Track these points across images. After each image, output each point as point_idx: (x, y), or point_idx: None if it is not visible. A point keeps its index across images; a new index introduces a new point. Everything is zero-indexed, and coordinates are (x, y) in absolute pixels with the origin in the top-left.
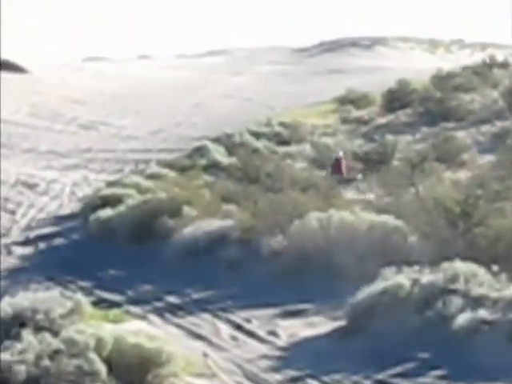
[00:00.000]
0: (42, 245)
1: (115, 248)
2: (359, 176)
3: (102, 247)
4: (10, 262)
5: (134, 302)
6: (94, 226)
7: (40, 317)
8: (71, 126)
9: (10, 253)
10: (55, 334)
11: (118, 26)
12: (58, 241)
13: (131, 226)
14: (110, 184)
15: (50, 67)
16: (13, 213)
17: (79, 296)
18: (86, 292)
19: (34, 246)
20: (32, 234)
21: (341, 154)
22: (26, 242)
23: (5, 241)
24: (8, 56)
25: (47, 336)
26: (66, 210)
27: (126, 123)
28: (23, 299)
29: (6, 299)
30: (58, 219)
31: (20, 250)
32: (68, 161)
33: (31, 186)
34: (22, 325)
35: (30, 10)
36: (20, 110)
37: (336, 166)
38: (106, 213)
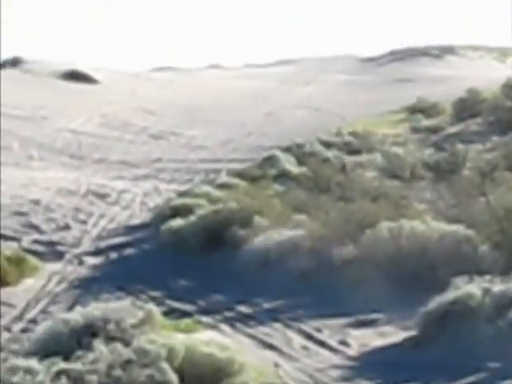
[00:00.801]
0: (112, 255)
1: (186, 258)
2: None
3: (173, 257)
4: (81, 272)
5: (205, 311)
6: (164, 235)
7: (111, 327)
8: (142, 136)
9: (81, 263)
10: (127, 343)
11: (187, 35)
12: (129, 251)
13: (202, 236)
14: (181, 194)
15: (120, 77)
16: (84, 223)
17: (150, 306)
18: (157, 302)
19: (104, 256)
20: (103, 244)
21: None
22: (96, 252)
23: (76, 251)
24: (78, 66)
25: (119, 346)
26: (136, 220)
27: (196, 133)
28: (95, 309)
29: (78, 309)
30: (129, 229)
31: (91, 260)
32: (139, 171)
33: (102, 196)
34: (94, 334)
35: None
36: (91, 120)
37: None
38: (176, 223)
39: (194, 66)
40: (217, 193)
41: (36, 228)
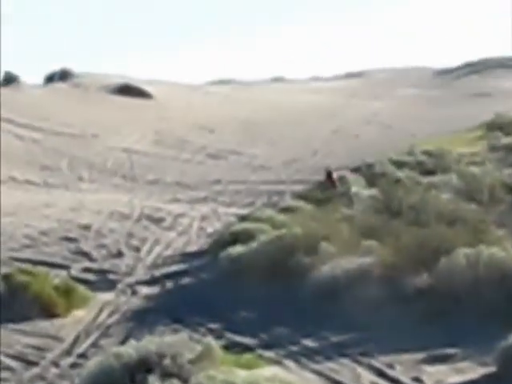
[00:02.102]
0: (168, 284)
1: (247, 287)
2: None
3: (233, 286)
4: (134, 302)
5: (268, 345)
6: (224, 263)
7: (167, 362)
8: (199, 155)
9: (134, 293)
10: (184, 380)
11: (249, 45)
12: (186, 280)
13: (264, 264)
14: (242, 218)
15: (176, 91)
16: (137, 249)
17: (209, 339)
18: (217, 335)
19: (160, 285)
20: (158, 273)
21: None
22: (151, 281)
23: (129, 280)
24: (131, 80)
25: (175, 382)
26: (194, 247)
27: (258, 152)
28: (149, 343)
29: (132, 343)
30: (186, 256)
31: (145, 290)
32: (196, 193)
33: (157, 221)
34: (148, 370)
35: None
36: (144, 137)
37: (328, 179)
38: (237, 249)
39: (256, 79)
40: (280, 217)
41: (86, 255)
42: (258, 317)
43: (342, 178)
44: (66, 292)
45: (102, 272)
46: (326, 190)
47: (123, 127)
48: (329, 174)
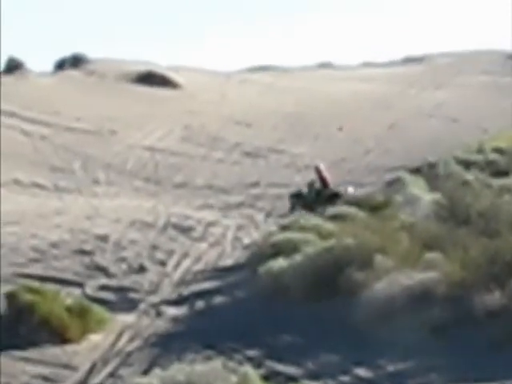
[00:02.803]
0: (198, 304)
1: (290, 308)
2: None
3: (274, 307)
4: (160, 325)
5: (315, 375)
6: (263, 280)
7: None
8: (234, 153)
9: (159, 314)
10: None
11: (291, 27)
12: (219, 299)
13: (310, 280)
14: (283, 227)
15: (207, 80)
16: (163, 264)
17: (246, 368)
18: (255, 363)
19: (188, 305)
20: (186, 291)
21: (321, 165)
22: (179, 301)
23: (153, 299)
24: (155, 67)
25: None
26: (228, 260)
27: (303, 150)
28: (177, 372)
29: (156, 372)
30: (219, 271)
31: (172, 311)
32: (230, 198)
33: (185, 230)
34: None
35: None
36: (170, 134)
37: (320, 178)
38: (278, 264)
39: (300, 65)
40: (328, 225)
41: (103, 270)
42: (302, 342)
43: (398, 180)
44: (80, 313)
45: (121, 290)
46: (324, 189)
47: (146, 122)
48: (318, 172)
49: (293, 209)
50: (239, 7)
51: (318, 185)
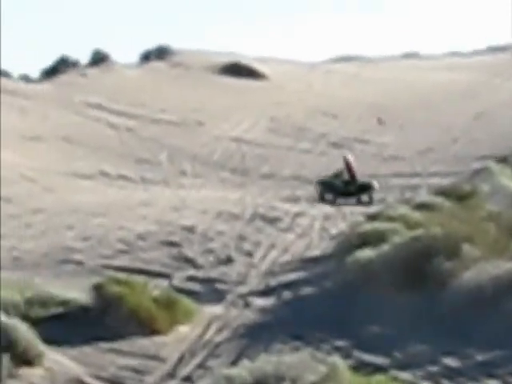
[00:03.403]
0: (286, 294)
1: (378, 298)
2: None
3: (362, 297)
4: (247, 316)
5: (403, 365)
6: (351, 270)
7: None
8: (320, 144)
9: (247, 305)
10: None
11: (375, 16)
12: (307, 289)
13: (398, 270)
14: (371, 217)
15: (293, 71)
16: (250, 255)
17: (335, 359)
18: (344, 353)
19: (276, 296)
20: (274, 282)
21: (349, 157)
22: (266, 292)
23: (241, 290)
24: (241, 58)
25: None
26: (315, 251)
27: (388, 140)
28: (265, 363)
29: (244, 363)
30: (306, 262)
31: (259, 302)
32: None
33: (272, 221)
34: None
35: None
36: (257, 125)
37: (349, 169)
38: (365, 253)
39: (385, 55)
40: (415, 215)
41: (190, 262)
42: (390, 332)
43: (485, 170)
44: (168, 305)
45: (208, 281)
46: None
47: (232, 113)
48: (347, 163)
49: (322, 197)
50: None
51: (345, 175)
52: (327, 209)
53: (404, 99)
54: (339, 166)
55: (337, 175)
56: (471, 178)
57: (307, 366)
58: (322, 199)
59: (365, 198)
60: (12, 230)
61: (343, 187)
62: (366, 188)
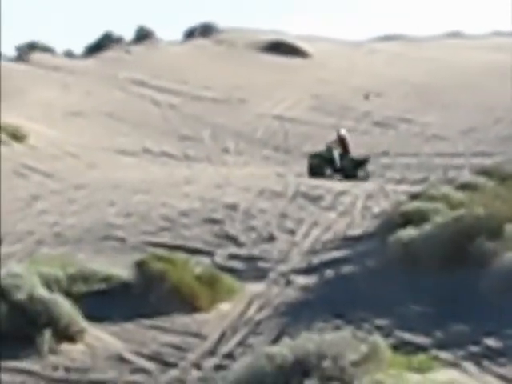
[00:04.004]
0: (328, 273)
1: (420, 277)
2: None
3: (404, 276)
4: (288, 294)
5: (444, 345)
6: (393, 249)
7: (327, 364)
8: (363, 123)
9: (289, 283)
10: None
11: None
12: (349, 268)
13: (440, 250)
14: (413, 196)
15: (337, 49)
16: (292, 233)
17: (376, 338)
18: (385, 333)
19: (318, 274)
20: (316, 260)
21: (343, 131)
22: (308, 270)
23: (282, 268)
24: (284, 36)
25: None
26: (357, 230)
27: (432, 120)
28: (306, 341)
29: (285, 341)
30: (348, 241)
31: (301, 280)
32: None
33: (314, 199)
34: (306, 373)
35: None
36: (300, 103)
37: (343, 144)
38: (408, 233)
39: (429, 35)
40: (458, 195)
41: (233, 239)
42: (432, 311)
43: None
44: (210, 282)
45: (250, 259)
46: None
47: (275, 91)
48: (341, 138)
49: (313, 171)
50: None
51: (337, 150)
52: (370, 187)
53: (447, 79)
54: (383, 144)
55: (329, 149)
56: None
57: (348, 345)
58: (312, 174)
59: (361, 173)
60: (54, 206)
61: (340, 162)
62: (362, 163)
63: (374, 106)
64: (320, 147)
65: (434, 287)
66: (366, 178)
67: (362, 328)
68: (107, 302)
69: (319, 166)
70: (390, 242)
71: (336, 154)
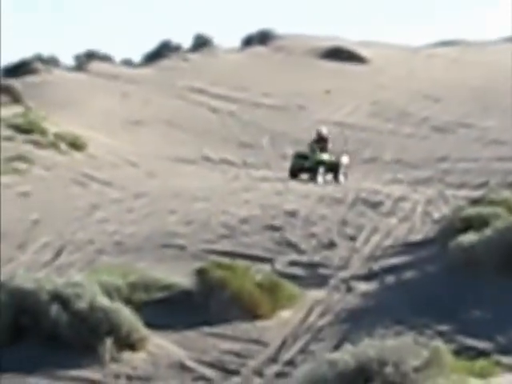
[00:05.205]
0: (389, 279)
1: (482, 282)
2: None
3: (465, 281)
4: (349, 300)
5: (506, 350)
6: (454, 254)
7: (389, 370)
8: (422, 128)
9: (350, 289)
10: None
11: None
12: (409, 274)
13: (500, 255)
14: (473, 201)
15: (395, 55)
16: (352, 239)
17: (437, 343)
18: (446, 338)
19: (379, 280)
20: (376, 266)
21: (324, 130)
22: (369, 276)
23: (343, 274)
24: (343, 42)
25: None
26: (418, 235)
27: (491, 124)
28: (368, 348)
29: (347, 348)
30: (409, 246)
31: (362, 286)
32: (419, 173)
33: (374, 205)
34: (367, 380)
35: None
36: (359, 109)
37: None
38: (468, 238)
39: (488, 39)
40: None
41: (293, 246)
42: (494, 316)
43: None
44: (270, 289)
45: (311, 266)
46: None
47: (334, 97)
48: (322, 137)
49: (294, 173)
50: None
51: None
52: (429, 193)
53: (506, 83)
54: (442, 149)
55: (312, 149)
56: None
57: (410, 351)
58: (294, 175)
59: (319, 178)
60: (114, 215)
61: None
62: (336, 166)
63: (433, 111)
64: (379, 153)
65: (496, 292)
66: (320, 182)
67: (423, 334)
68: (168, 310)
69: (296, 164)
70: (450, 247)
71: (312, 153)
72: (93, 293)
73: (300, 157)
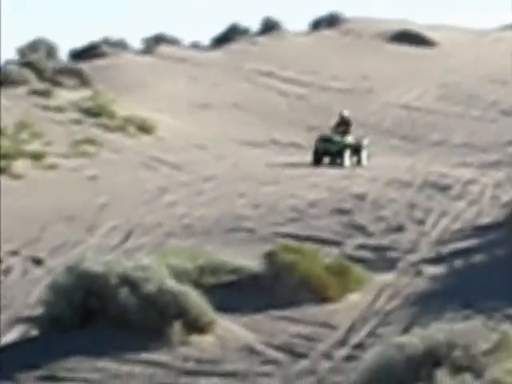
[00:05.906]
0: (457, 262)
1: None
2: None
3: None
4: (418, 284)
5: None
6: None
7: (458, 353)
8: (491, 111)
9: (418, 273)
10: (478, 374)
11: None
12: (478, 257)
13: None
14: None
15: (464, 38)
16: (421, 222)
17: (507, 327)
18: None
19: (447, 264)
20: (445, 250)
21: (346, 112)
22: (437, 260)
23: (411, 258)
24: (411, 25)
25: (467, 377)
26: (486, 219)
27: None
28: (436, 331)
29: (416, 331)
30: (477, 230)
31: (430, 270)
32: (488, 156)
33: (443, 189)
34: (436, 363)
35: None
36: (427, 92)
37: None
38: None
39: None
40: None
41: (361, 229)
42: None
43: None
44: (339, 273)
45: (379, 249)
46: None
47: (402, 80)
48: (343, 120)
49: (318, 158)
50: None
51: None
52: (498, 176)
53: None
54: (511, 133)
55: (335, 132)
56: None
57: (479, 334)
58: (318, 160)
59: (338, 160)
60: (183, 198)
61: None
62: (356, 148)
63: (501, 94)
64: (447, 136)
65: None
66: (340, 164)
67: (492, 317)
68: (236, 293)
69: (321, 148)
70: None
71: (337, 137)
72: (161, 276)
73: (325, 140)
